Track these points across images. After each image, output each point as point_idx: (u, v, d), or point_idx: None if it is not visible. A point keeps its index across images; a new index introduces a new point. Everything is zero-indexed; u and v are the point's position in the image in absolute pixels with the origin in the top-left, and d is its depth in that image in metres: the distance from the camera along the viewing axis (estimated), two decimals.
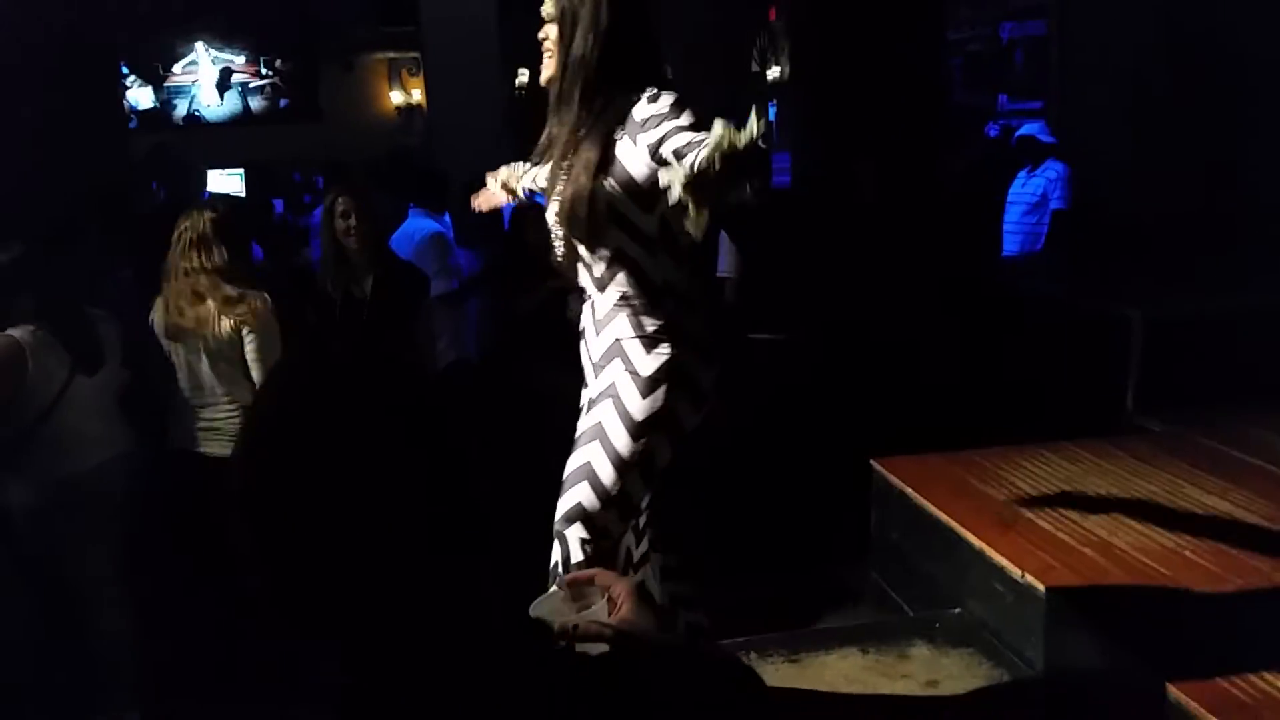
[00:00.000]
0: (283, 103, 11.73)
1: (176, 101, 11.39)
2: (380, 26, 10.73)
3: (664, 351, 2.22)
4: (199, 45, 11.39)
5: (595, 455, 2.25)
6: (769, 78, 12.43)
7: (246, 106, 11.65)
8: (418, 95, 11.69)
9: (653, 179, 2.05)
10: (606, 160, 2.16)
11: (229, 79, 11.52)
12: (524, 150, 2.59)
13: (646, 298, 2.23)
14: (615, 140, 2.17)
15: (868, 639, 2.78)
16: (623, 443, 2.23)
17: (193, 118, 11.44)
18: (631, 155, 2.15)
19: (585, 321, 2.37)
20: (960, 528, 2.91)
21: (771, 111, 13.37)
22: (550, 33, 2.25)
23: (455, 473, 0.88)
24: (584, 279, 2.34)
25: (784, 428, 4.24)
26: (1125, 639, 2.33)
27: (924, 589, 3.12)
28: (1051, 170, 5.73)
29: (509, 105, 8.39)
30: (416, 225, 4.77)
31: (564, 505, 2.28)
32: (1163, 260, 5.13)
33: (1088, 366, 4.26)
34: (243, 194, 8.31)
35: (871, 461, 3.43)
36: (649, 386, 2.22)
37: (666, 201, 1.91)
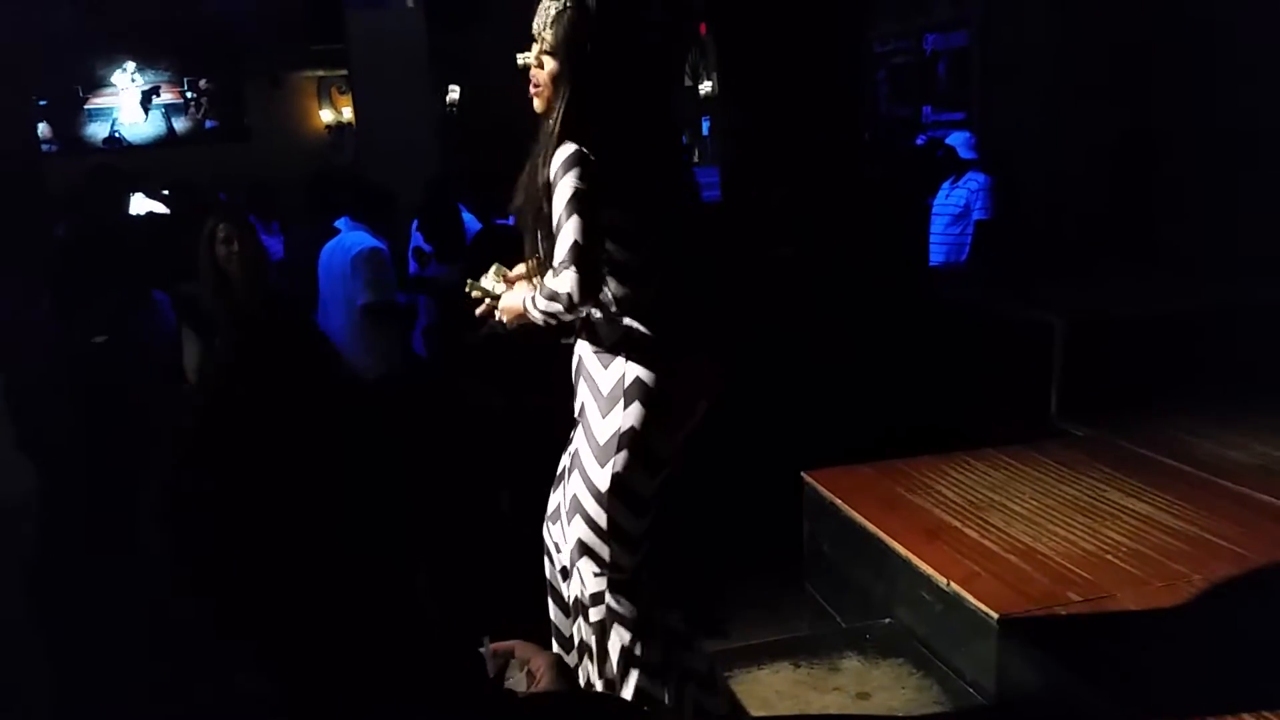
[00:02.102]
0: (209, 123, 11.52)
1: (96, 124, 11.12)
2: (307, 44, 10.56)
3: (619, 367, 2.19)
4: (120, 67, 11.13)
5: (579, 488, 2.23)
6: (701, 92, 12.53)
7: (171, 127, 11.41)
8: (348, 113, 11.56)
9: None
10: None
11: (150, 100, 11.27)
12: (454, 167, 2.55)
13: (601, 313, 2.20)
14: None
15: (799, 652, 2.79)
16: (595, 472, 2.20)
17: (114, 140, 11.17)
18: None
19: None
20: (888, 538, 2.93)
21: (705, 126, 13.44)
22: (534, 59, 2.18)
23: (376, 483, 0.88)
24: None
25: (712, 440, 4.24)
26: (1048, 645, 2.36)
27: (856, 600, 3.14)
28: (974, 181, 5.81)
29: (440, 121, 8.32)
30: (355, 239, 4.65)
31: (570, 537, 2.26)
32: (1084, 266, 5.24)
33: (1013, 373, 4.33)
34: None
35: (802, 474, 3.45)
36: (607, 405, 2.19)
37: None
